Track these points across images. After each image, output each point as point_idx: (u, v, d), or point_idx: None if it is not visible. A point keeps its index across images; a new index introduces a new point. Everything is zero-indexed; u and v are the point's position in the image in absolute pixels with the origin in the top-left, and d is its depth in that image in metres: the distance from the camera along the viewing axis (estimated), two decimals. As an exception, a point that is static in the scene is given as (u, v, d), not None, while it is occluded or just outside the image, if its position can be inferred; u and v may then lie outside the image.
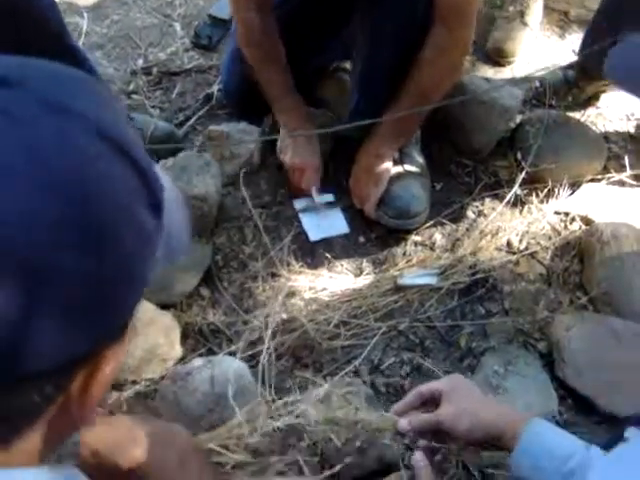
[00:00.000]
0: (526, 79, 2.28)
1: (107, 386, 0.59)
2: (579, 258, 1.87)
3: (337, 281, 1.77)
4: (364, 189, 1.85)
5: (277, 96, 1.87)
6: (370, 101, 1.81)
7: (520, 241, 1.89)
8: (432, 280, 1.77)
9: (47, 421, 0.55)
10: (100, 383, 0.57)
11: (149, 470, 0.99)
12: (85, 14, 2.38)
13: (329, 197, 1.93)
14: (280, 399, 1.30)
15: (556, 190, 1.94)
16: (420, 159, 1.94)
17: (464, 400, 1.13)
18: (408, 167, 1.89)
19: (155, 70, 2.24)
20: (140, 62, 2.27)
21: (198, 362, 1.45)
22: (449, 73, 1.74)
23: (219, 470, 1.16)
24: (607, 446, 1.32)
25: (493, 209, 1.96)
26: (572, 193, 1.99)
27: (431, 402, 1.17)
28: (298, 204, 1.91)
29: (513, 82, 2.21)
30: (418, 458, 1.11)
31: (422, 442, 1.16)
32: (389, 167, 1.84)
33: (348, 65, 2.21)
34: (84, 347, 0.52)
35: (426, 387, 1.19)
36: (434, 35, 1.65)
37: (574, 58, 2.20)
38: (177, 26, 2.41)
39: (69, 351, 0.51)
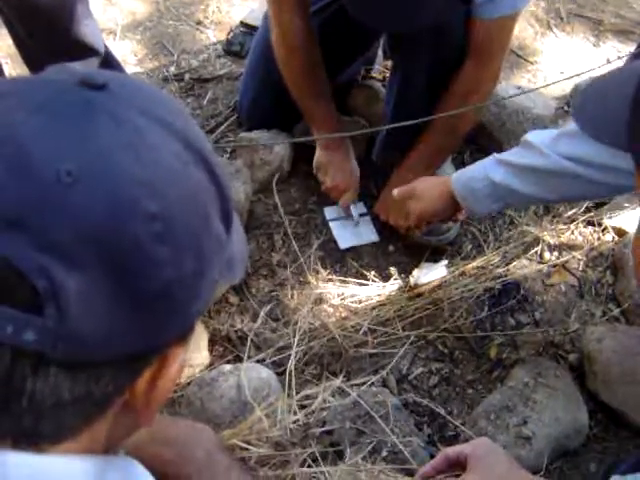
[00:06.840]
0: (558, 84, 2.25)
1: (172, 387, 0.60)
2: (612, 269, 1.85)
3: (365, 289, 1.76)
4: (391, 219, 1.83)
5: (313, 106, 1.82)
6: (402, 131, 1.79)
7: (552, 251, 1.87)
8: (443, 272, 1.75)
9: (114, 415, 0.57)
10: (165, 383, 0.58)
11: (178, 468, 1.01)
12: (118, 21, 2.41)
13: (360, 207, 1.92)
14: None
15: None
16: (451, 171, 1.91)
17: (489, 469, 1.11)
18: None
19: (187, 77, 2.26)
20: (172, 69, 2.29)
21: (225, 369, 1.45)
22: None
23: (244, 466, 1.17)
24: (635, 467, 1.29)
25: (524, 219, 1.94)
26: (605, 203, 1.96)
27: (457, 465, 1.16)
28: (329, 213, 1.91)
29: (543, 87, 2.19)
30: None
31: None
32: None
33: (377, 74, 2.21)
34: (158, 341, 0.55)
35: (452, 450, 1.17)
36: (465, 70, 1.66)
37: (609, 67, 2.16)
38: (209, 33, 2.43)
39: (145, 342, 0.54)
